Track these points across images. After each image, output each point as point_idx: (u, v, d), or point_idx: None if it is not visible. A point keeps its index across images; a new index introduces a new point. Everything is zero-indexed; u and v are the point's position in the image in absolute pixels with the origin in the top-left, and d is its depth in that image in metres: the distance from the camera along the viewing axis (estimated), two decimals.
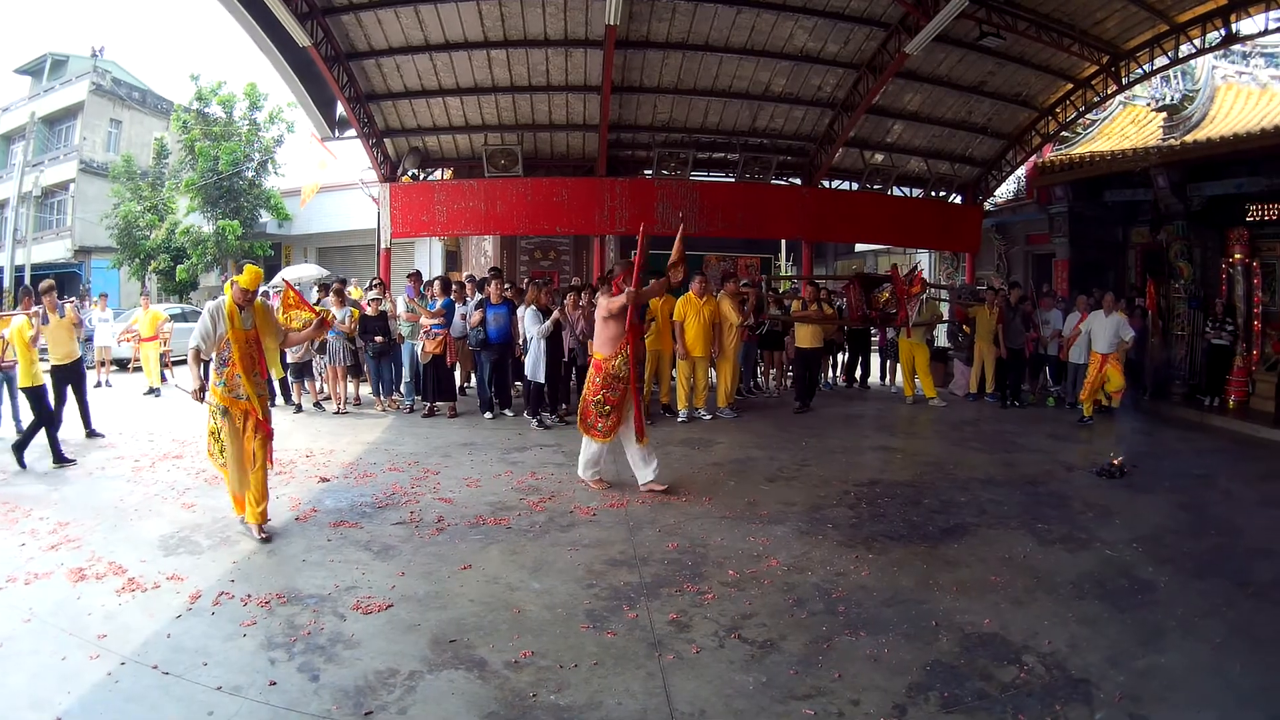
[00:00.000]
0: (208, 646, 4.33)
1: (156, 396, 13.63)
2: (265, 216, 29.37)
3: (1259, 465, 10.38)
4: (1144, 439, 11.49)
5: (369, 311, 11.86)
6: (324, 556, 5.72)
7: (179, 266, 27.25)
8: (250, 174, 27.96)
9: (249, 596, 4.95)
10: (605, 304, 7.85)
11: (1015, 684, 4.35)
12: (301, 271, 18.86)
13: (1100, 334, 12.03)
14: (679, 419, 11.64)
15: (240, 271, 6.58)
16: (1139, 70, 15.02)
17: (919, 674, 4.38)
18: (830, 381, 16.00)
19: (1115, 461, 9.30)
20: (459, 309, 12.09)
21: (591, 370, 7.92)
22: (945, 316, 15.55)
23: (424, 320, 11.49)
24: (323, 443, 9.26)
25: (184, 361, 11.62)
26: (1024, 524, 7.22)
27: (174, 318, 18.43)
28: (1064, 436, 11.55)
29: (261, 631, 4.51)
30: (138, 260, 28.22)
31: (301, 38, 11.87)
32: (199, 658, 4.20)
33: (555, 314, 10.82)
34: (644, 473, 7.84)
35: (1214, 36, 13.58)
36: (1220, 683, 4.50)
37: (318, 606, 4.87)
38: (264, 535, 6.13)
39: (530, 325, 10.81)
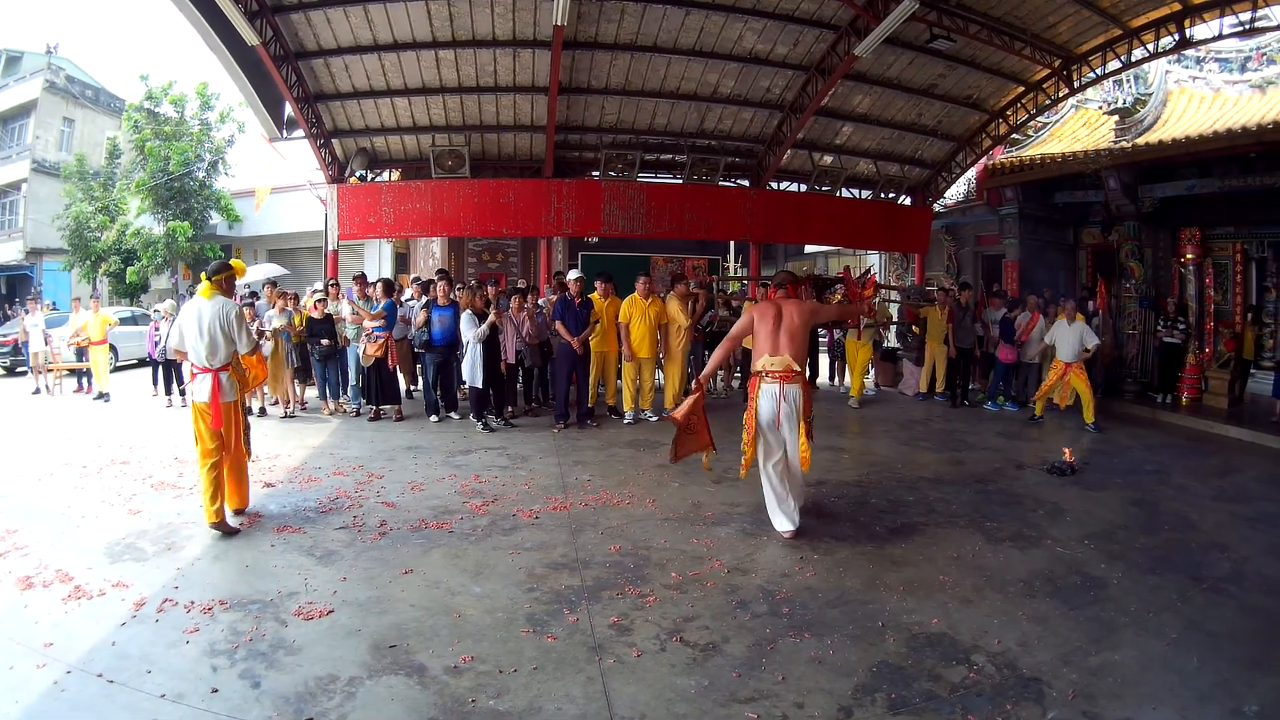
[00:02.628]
0: (151, 654, 4.31)
1: (106, 402, 13.41)
2: (215, 218, 29.09)
3: (1213, 460, 10.58)
4: (1095, 437, 11.73)
5: (315, 314, 11.77)
6: (267, 562, 5.69)
7: (129, 269, 26.91)
8: (201, 174, 27.62)
9: (192, 603, 4.92)
10: (810, 312, 7.16)
11: (964, 684, 4.37)
12: (266, 271, 18.72)
13: (1064, 343, 12.19)
14: (625, 421, 11.68)
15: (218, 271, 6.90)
16: (1091, 74, 15.28)
17: (865, 675, 4.41)
18: None
19: (1067, 456, 9.42)
20: (400, 311, 12.06)
21: (803, 393, 6.87)
22: (895, 317, 15.78)
23: (366, 323, 11.42)
24: (269, 447, 9.21)
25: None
26: (973, 522, 7.28)
27: (123, 321, 18.28)
28: (1015, 435, 11.70)
29: (204, 638, 4.50)
30: (89, 262, 27.77)
31: (250, 36, 11.75)
32: (143, 665, 4.18)
33: (491, 317, 10.79)
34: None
35: (1168, 41, 13.86)
36: (1176, 679, 4.55)
37: (260, 613, 4.84)
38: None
39: (466, 329, 10.80)
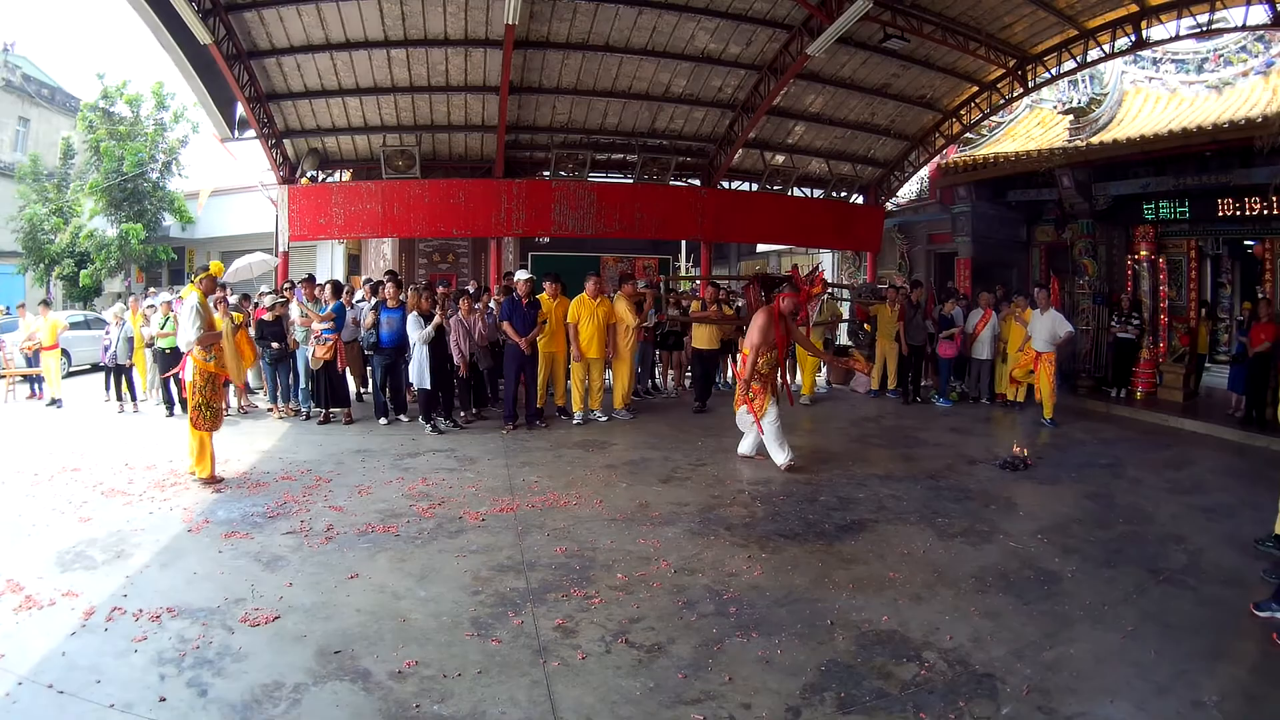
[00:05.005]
0: (100, 664, 4.29)
1: (59, 408, 13.17)
2: (168, 220, 28.68)
3: (1168, 453, 10.77)
4: (1049, 431, 11.92)
5: (266, 316, 11.69)
6: (214, 569, 5.67)
7: (83, 272, 26.55)
8: (154, 175, 27.28)
9: (140, 611, 4.89)
10: (759, 325, 9.12)
11: (916, 682, 4.39)
12: (251, 260, 18.55)
13: (1039, 332, 12.43)
14: (575, 421, 11.71)
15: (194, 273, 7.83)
16: (1046, 74, 15.46)
17: (814, 674, 4.42)
18: (730, 381, 16.24)
19: (1019, 452, 9.55)
20: (351, 312, 12.02)
21: (742, 366, 9.42)
22: (846, 315, 15.95)
23: (314, 325, 11.36)
24: (218, 451, 9.02)
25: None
26: (924, 518, 7.34)
27: (76, 325, 18.04)
28: (966, 430, 11.79)
29: (152, 647, 4.48)
30: (42, 265, 27.36)
31: (203, 35, 11.60)
32: (92, 675, 4.16)
33: (437, 319, 10.82)
34: (778, 454, 9.07)
35: (1124, 42, 14.01)
36: (1132, 671, 4.60)
37: (207, 620, 4.83)
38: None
39: (412, 331, 10.80)
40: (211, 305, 8.67)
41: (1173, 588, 5.89)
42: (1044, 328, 12.39)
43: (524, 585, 5.54)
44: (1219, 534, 7.19)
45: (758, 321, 9.14)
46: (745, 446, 9.62)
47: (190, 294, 8.25)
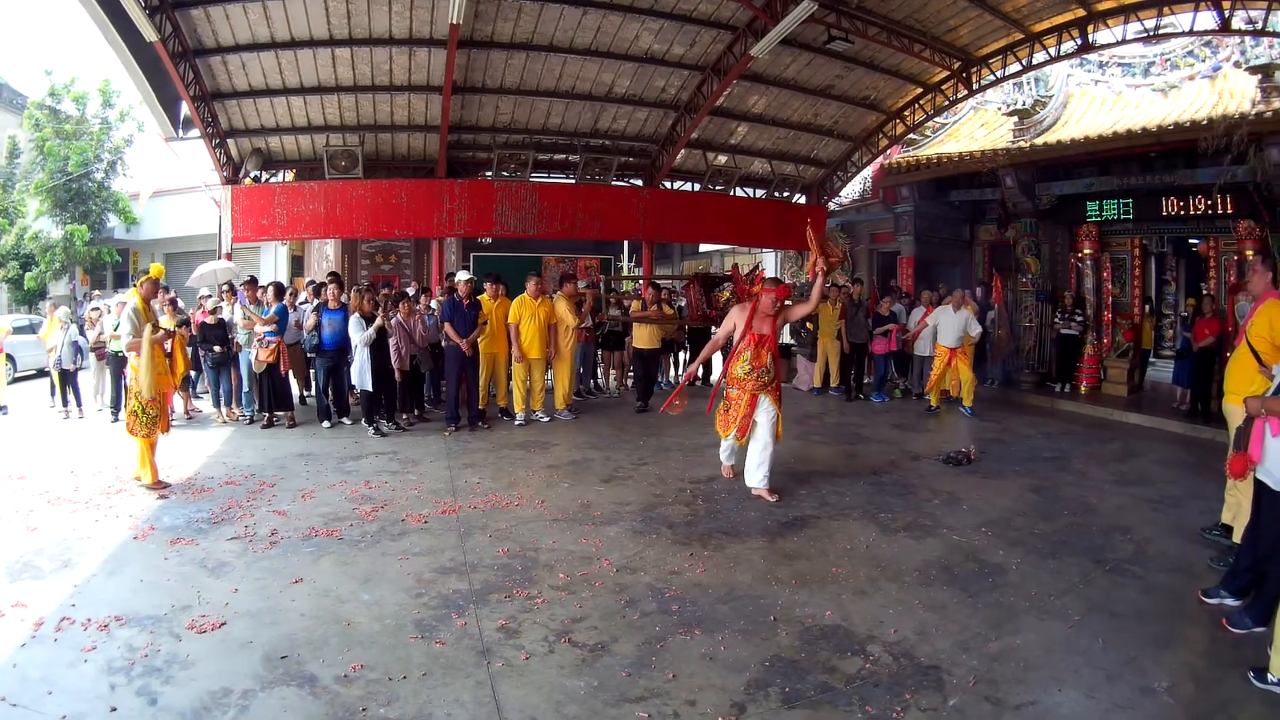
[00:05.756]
0: (51, 675, 4.28)
1: (4, 414, 12.88)
2: (113, 221, 28.22)
3: (1113, 446, 11.01)
4: (993, 426, 12.07)
5: (208, 319, 11.58)
6: (160, 576, 5.65)
7: (27, 274, 26.14)
8: (99, 175, 26.84)
9: (89, 620, 4.87)
10: (724, 325, 8.43)
11: (860, 675, 4.44)
12: (216, 266, 18.35)
13: (947, 329, 12.70)
14: (516, 422, 11.76)
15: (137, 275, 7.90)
16: (991, 76, 15.67)
17: (758, 670, 4.46)
18: (672, 380, 16.36)
19: (964, 449, 9.74)
20: (293, 315, 11.95)
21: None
22: None
23: (257, 328, 11.25)
24: (161, 457, 8.91)
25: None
26: (867, 514, 7.44)
27: (20, 330, 17.73)
28: (909, 427, 12.01)
29: (102, 656, 4.46)
30: None
31: (149, 32, 11.45)
32: (44, 687, 4.16)
33: (379, 321, 10.81)
34: (753, 475, 8.09)
35: (1070, 45, 14.28)
36: (1080, 660, 4.70)
37: (154, 628, 4.80)
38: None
39: (354, 333, 10.78)
40: (157, 309, 8.65)
41: (1119, 577, 6.02)
42: (956, 325, 12.70)
43: (467, 587, 5.56)
44: (1165, 524, 7.37)
45: (725, 333, 8.38)
46: (755, 478, 8.07)
47: (131, 298, 8.21)
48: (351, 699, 4.10)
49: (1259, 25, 12.11)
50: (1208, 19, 12.44)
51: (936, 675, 4.46)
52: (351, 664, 4.43)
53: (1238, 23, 12.17)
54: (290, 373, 11.82)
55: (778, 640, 4.85)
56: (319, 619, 5.02)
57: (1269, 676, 4.38)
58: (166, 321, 9.54)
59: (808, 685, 4.33)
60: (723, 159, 18.26)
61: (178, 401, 11.71)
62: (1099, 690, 4.37)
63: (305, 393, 13.27)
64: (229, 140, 14.92)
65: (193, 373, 11.85)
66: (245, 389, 11.94)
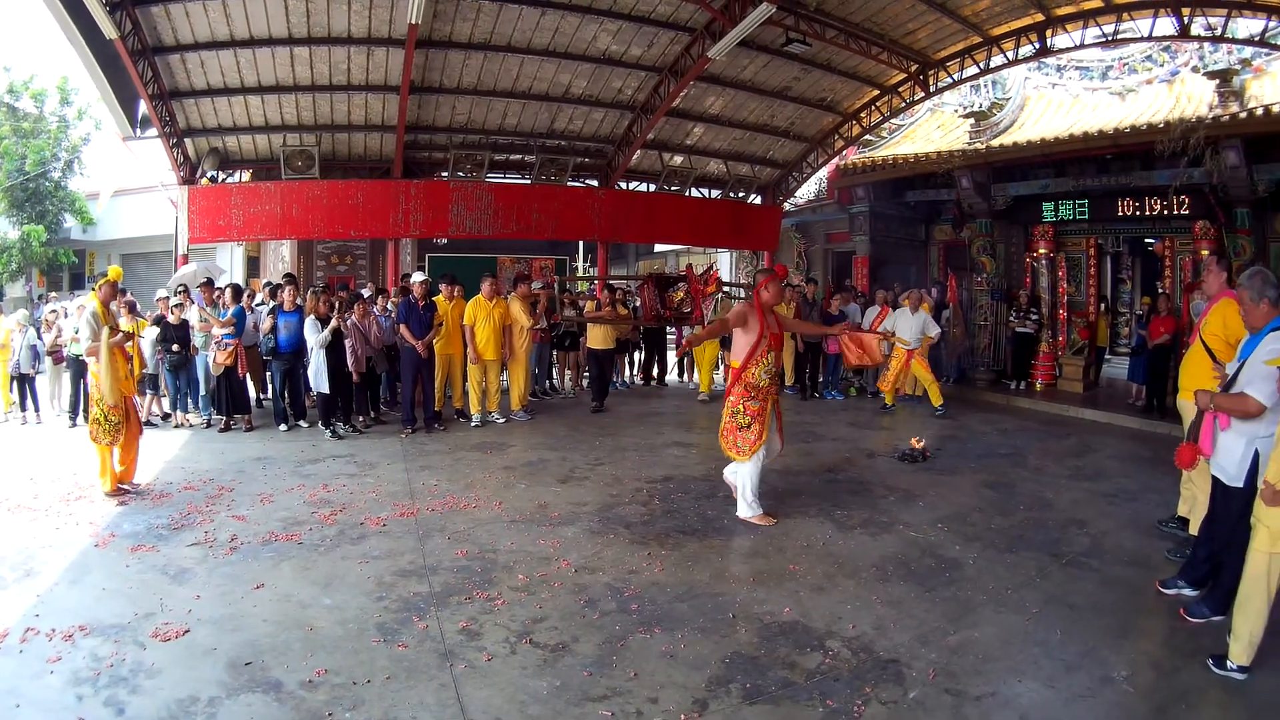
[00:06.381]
0: (18, 686, 4.25)
1: None
2: (69, 221, 27.76)
3: (1069, 442, 11.18)
4: (948, 423, 12.21)
5: (170, 320, 11.42)
6: (123, 584, 5.60)
7: None
8: (57, 175, 26.42)
9: (54, 631, 4.83)
10: (734, 312, 7.44)
11: (820, 670, 4.50)
12: (195, 268, 18.15)
13: (905, 330, 12.85)
14: (472, 423, 11.79)
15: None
16: (949, 79, 15.89)
17: (718, 667, 4.52)
18: (627, 380, 16.51)
19: (915, 445, 9.85)
20: (250, 317, 11.86)
21: (730, 379, 7.49)
22: None
23: (215, 330, 11.19)
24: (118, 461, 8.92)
25: None
26: (823, 511, 7.52)
27: None
28: (864, 425, 12.18)
29: (68, 667, 4.42)
30: None
31: (110, 29, 11.31)
32: (12, 699, 4.12)
33: (334, 322, 10.79)
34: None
35: (1028, 49, 14.44)
36: (1039, 651, 4.78)
37: (119, 637, 4.77)
38: (132, 487, 7.96)
39: (309, 335, 10.75)
40: (115, 312, 8.62)
41: (1077, 570, 6.15)
42: (915, 327, 12.95)
43: (427, 589, 5.59)
44: (1122, 518, 7.53)
45: (735, 319, 7.37)
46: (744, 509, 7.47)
47: (90, 302, 8.15)
48: (317, 704, 4.09)
49: (1218, 32, 12.34)
50: (1167, 25, 12.62)
51: (896, 669, 4.55)
52: (315, 669, 4.43)
53: (1197, 29, 12.38)
54: (247, 375, 11.74)
55: (737, 637, 4.91)
56: (281, 624, 5.00)
57: (1228, 663, 4.54)
58: (125, 325, 9.48)
59: (768, 681, 4.40)
60: (679, 160, 18.40)
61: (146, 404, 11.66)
62: (1058, 680, 4.47)
63: (261, 395, 13.15)
64: (186, 140, 14.76)
65: (147, 372, 11.67)
66: (202, 392, 11.82)
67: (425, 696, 4.21)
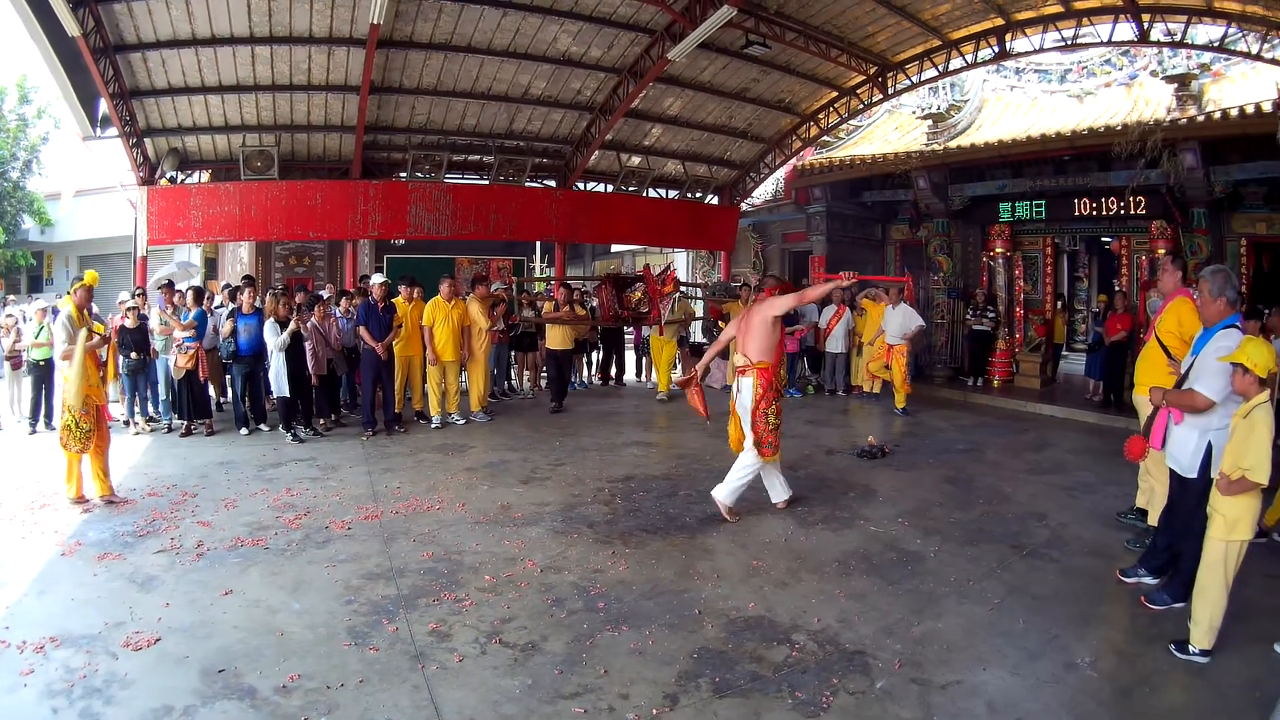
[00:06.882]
0: None
1: None
2: (28, 222, 27.38)
3: (1027, 437, 11.40)
4: (907, 420, 12.38)
5: (127, 323, 11.27)
6: (91, 593, 5.57)
7: None
8: (15, 174, 26.05)
9: (24, 642, 4.80)
10: (765, 310, 7.56)
11: (788, 663, 4.61)
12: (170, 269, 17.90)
13: (891, 326, 13.09)
14: (433, 425, 11.82)
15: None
16: (907, 81, 15.97)
17: (687, 662, 4.60)
18: (586, 380, 16.57)
19: (872, 442, 10.00)
20: (210, 319, 11.76)
21: (760, 383, 7.40)
22: (700, 314, 16.35)
23: (176, 333, 11.10)
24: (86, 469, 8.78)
25: None
26: (784, 508, 7.66)
27: None
28: (823, 422, 12.29)
29: (41, 679, 4.39)
30: None
31: (72, 27, 11.09)
32: None
33: (293, 325, 10.76)
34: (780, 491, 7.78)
35: (987, 53, 14.57)
36: (1002, 640, 4.92)
37: (90, 647, 4.75)
38: (112, 499, 7.78)
39: (269, 338, 10.71)
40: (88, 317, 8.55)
41: (1037, 561, 6.32)
42: (896, 322, 13.11)
43: (395, 592, 5.63)
44: (1081, 510, 7.74)
45: (762, 323, 7.59)
46: (778, 493, 7.86)
47: (65, 305, 8.09)
48: (292, 709, 4.12)
49: (1178, 37, 12.55)
50: (1127, 30, 12.79)
51: (862, 660, 4.67)
52: (289, 674, 4.46)
53: (1157, 34, 12.57)
54: (208, 379, 11.66)
55: (704, 633, 5.00)
56: (252, 630, 5.02)
57: (1190, 648, 4.75)
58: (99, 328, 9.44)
59: (737, 675, 4.49)
60: (637, 160, 18.45)
61: (117, 410, 11.58)
62: (1023, 668, 4.61)
63: (221, 399, 13.02)
64: (146, 140, 14.54)
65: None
66: (162, 396, 11.72)
67: (399, 699, 4.25)
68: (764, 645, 4.85)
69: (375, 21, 11.57)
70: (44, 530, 7.04)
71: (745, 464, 7.42)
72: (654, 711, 4.15)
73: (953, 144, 16.39)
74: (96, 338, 8.00)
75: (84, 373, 7.76)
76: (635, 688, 4.36)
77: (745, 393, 7.47)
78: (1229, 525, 4.64)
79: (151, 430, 11.50)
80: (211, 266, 22.74)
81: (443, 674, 4.52)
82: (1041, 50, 14.57)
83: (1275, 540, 6.90)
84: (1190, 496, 5.28)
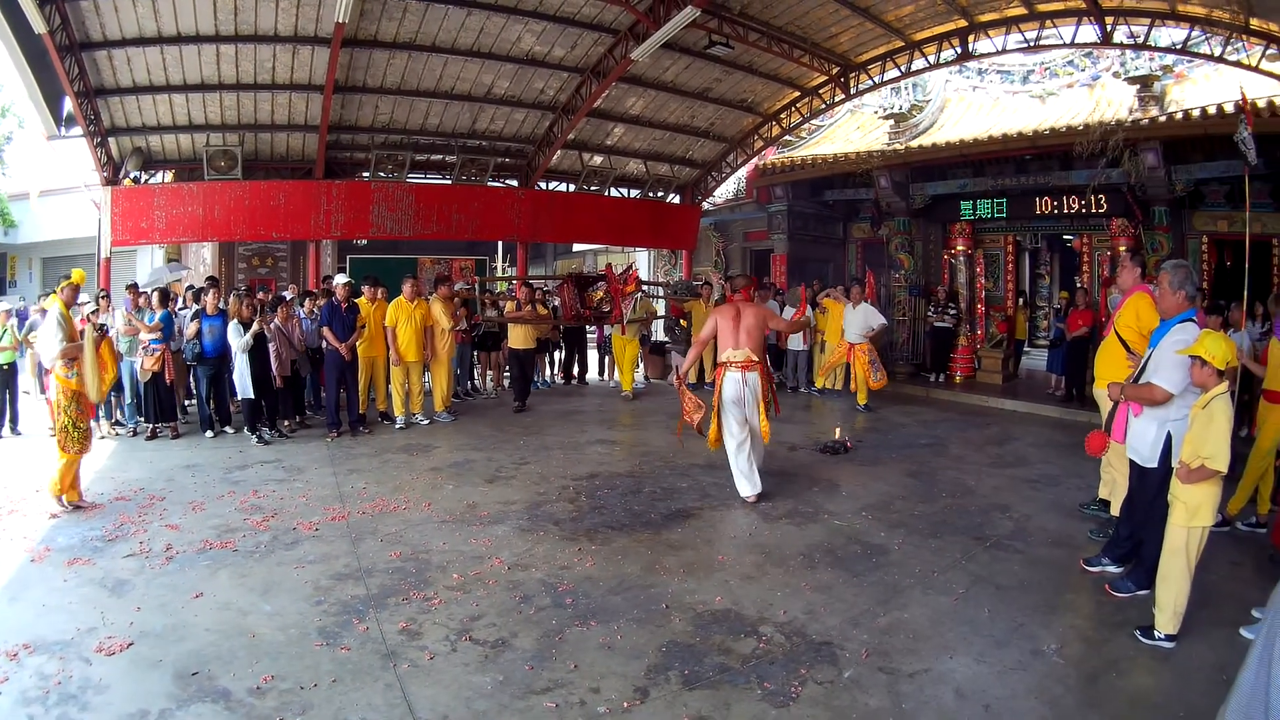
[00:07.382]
0: None
1: None
2: None
3: (990, 431, 11.60)
4: (869, 415, 12.53)
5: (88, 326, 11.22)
6: (62, 599, 5.56)
7: None
8: None
9: None
10: (763, 316, 8.24)
11: (756, 654, 4.70)
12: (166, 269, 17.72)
13: (852, 324, 13.18)
14: (397, 425, 11.86)
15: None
16: (869, 81, 16.11)
17: (656, 656, 4.68)
18: (549, 380, 16.65)
19: (837, 436, 10.14)
20: (175, 321, 11.63)
21: (763, 375, 8.14)
22: (661, 312, 16.40)
23: (142, 335, 11.01)
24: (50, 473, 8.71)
25: None
26: (748, 503, 7.78)
27: None
28: (785, 418, 11.95)
29: (15, 687, 4.38)
30: None
31: (39, 23, 10.94)
32: None
33: (256, 326, 10.74)
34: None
35: (950, 54, 14.74)
36: (968, 629, 5.03)
37: (63, 653, 4.75)
38: (80, 504, 7.75)
39: (233, 339, 10.69)
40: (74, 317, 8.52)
41: (1001, 552, 6.48)
42: (857, 320, 13.24)
43: (364, 592, 5.68)
44: (1044, 502, 7.93)
45: (759, 326, 8.22)
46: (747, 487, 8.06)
47: (53, 305, 8.04)
48: (267, 710, 4.16)
49: (1141, 40, 12.75)
50: (1090, 32, 12.95)
51: (830, 650, 4.77)
52: (262, 675, 4.49)
53: (1120, 36, 12.72)
54: (174, 382, 11.56)
55: (672, 627, 5.09)
56: (224, 633, 5.05)
57: (1155, 633, 4.94)
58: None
59: (706, 667, 4.58)
60: (599, 160, 18.54)
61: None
62: (989, 655, 4.74)
63: (186, 401, 12.88)
64: (110, 139, 14.39)
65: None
66: (127, 400, 11.62)
67: (373, 698, 4.31)
68: (731, 638, 4.94)
69: (340, 20, 11.54)
70: (12, 537, 6.98)
71: (732, 454, 8.02)
72: (625, 705, 4.24)
73: (915, 143, 16.60)
74: (98, 332, 8.01)
75: (96, 364, 7.83)
76: (605, 682, 4.44)
77: (752, 385, 7.92)
78: (1190, 512, 4.83)
79: (117, 434, 11.42)
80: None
81: (414, 672, 4.57)
82: (1004, 51, 14.76)
83: (1238, 530, 7.16)
84: (1150, 486, 5.50)
